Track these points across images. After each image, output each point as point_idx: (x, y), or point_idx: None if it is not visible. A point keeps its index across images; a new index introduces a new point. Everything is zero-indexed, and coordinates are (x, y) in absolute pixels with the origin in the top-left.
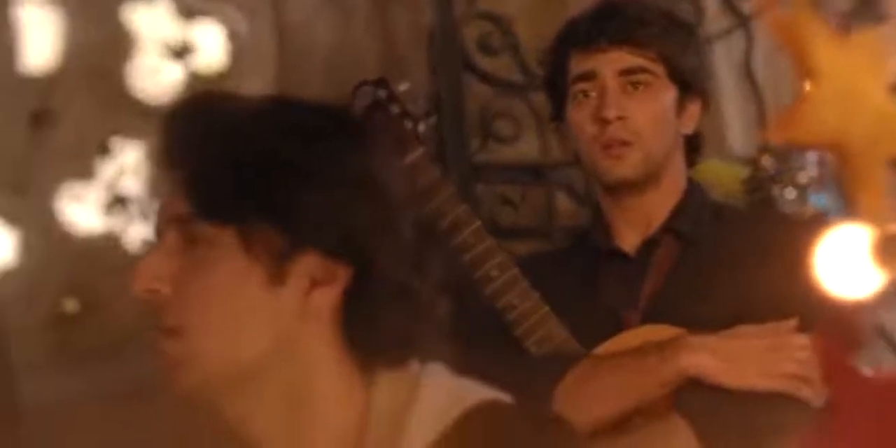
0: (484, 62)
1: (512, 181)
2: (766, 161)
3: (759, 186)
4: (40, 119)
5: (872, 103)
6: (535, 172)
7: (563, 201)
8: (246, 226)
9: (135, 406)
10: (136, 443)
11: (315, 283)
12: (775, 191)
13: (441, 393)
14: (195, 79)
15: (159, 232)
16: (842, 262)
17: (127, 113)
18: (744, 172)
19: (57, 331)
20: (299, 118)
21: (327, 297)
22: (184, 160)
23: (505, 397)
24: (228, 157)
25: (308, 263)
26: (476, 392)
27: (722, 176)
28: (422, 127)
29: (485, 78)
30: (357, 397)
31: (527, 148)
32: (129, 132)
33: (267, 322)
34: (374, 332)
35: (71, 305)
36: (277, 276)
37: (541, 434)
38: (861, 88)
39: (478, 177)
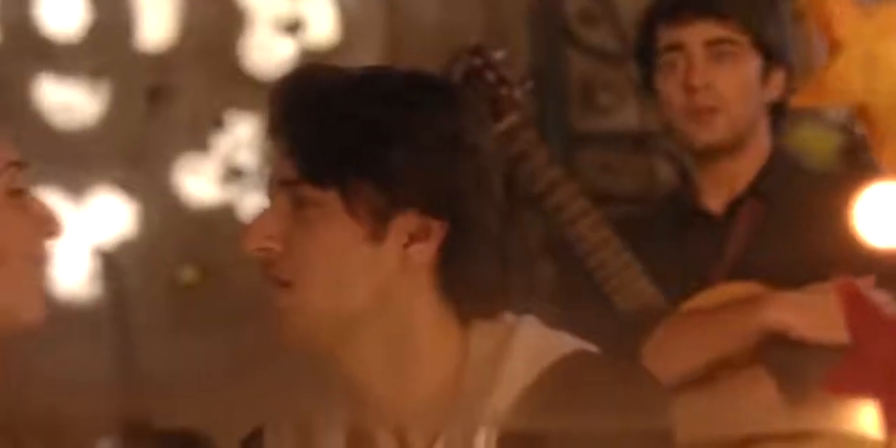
0: (585, 33)
1: (613, 149)
2: (860, 127)
3: (853, 152)
4: (157, 94)
5: (894, 68)
6: (635, 140)
7: (663, 168)
8: (347, 188)
9: (250, 372)
10: (252, 408)
11: (412, 239)
12: (870, 156)
13: (534, 342)
14: (306, 53)
15: (270, 195)
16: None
17: (240, 87)
18: (838, 139)
19: (175, 299)
20: (395, 86)
21: (424, 252)
22: (289, 128)
23: (594, 349)
24: (330, 124)
25: (406, 221)
26: (567, 342)
27: (816, 143)
28: (518, 93)
29: (585, 48)
30: (455, 345)
31: (627, 116)
32: (243, 106)
33: (369, 276)
34: (469, 284)
35: (188, 274)
36: (378, 234)
37: (627, 384)
38: (884, 55)
39: (579, 145)
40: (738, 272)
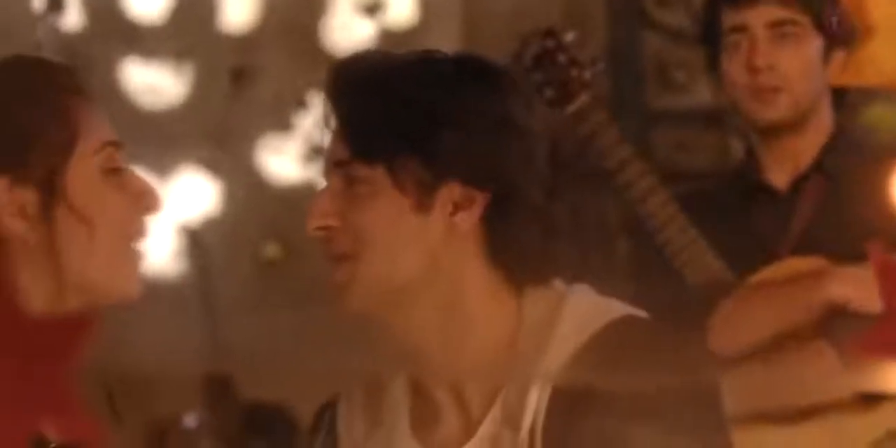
0: (660, 14)
1: (687, 127)
2: None
3: None
4: (240, 75)
5: None
6: (709, 118)
7: (736, 145)
8: (394, 164)
9: (329, 344)
10: (329, 379)
11: (457, 208)
12: None
13: (584, 308)
14: (385, 34)
15: (326, 176)
16: None
17: (322, 68)
18: None
19: (257, 274)
20: (444, 70)
21: (468, 220)
22: (340, 111)
23: (644, 314)
24: (377, 106)
25: (450, 191)
26: (616, 308)
27: (887, 121)
28: (588, 74)
29: (660, 28)
30: (508, 310)
31: (701, 94)
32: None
33: (418, 244)
34: (514, 251)
35: (271, 251)
36: (424, 205)
37: (672, 345)
38: None
39: (654, 123)
40: (803, 247)
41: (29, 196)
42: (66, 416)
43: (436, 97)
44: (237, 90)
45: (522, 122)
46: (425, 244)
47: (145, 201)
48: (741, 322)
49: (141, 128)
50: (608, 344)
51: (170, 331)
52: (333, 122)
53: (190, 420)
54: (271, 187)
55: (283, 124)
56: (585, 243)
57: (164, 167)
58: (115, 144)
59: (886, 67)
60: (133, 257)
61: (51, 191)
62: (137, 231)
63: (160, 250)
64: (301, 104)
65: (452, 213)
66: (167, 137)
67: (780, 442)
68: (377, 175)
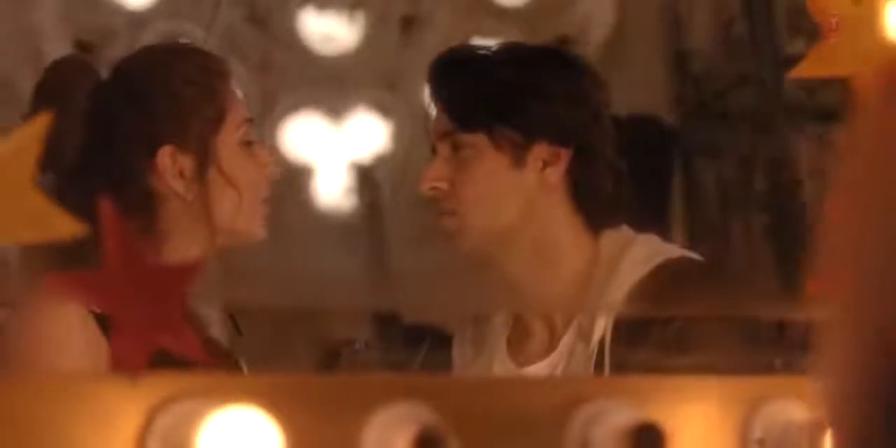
0: None
1: None
2: None
3: None
4: (409, 23)
5: (879, 46)
6: None
7: None
8: (492, 130)
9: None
10: (481, 302)
11: (546, 164)
12: None
13: (648, 248)
14: None
15: (433, 146)
16: None
17: (486, 15)
18: None
19: (424, 209)
20: (523, 55)
21: (556, 173)
22: (445, 92)
23: (699, 258)
24: (474, 86)
25: (539, 150)
26: (676, 250)
27: None
28: None
29: None
30: (587, 247)
31: None
32: (488, 32)
33: (515, 195)
34: (594, 197)
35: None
36: (519, 162)
37: (720, 286)
38: (869, 35)
39: (787, 68)
40: None
41: (187, 162)
42: (177, 336)
43: (521, 76)
44: (406, 37)
45: (590, 93)
46: (521, 195)
47: (269, 170)
48: None
49: (318, 73)
50: (663, 278)
51: (341, 262)
52: (441, 100)
53: (359, 341)
54: None
55: None
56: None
57: (338, 109)
58: (250, 121)
59: (846, 63)
60: (262, 210)
61: (204, 157)
62: (264, 191)
63: (333, 187)
64: None
65: (542, 168)
66: (341, 81)
67: None
68: (478, 140)
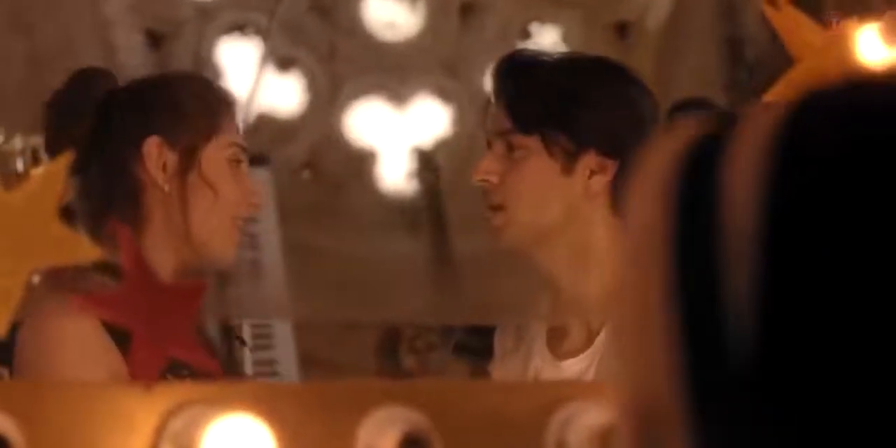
0: None
1: None
2: None
3: None
4: (469, 10)
5: (849, 71)
6: None
7: None
8: (546, 135)
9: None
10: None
11: (593, 173)
12: None
13: None
14: None
15: (489, 142)
16: None
17: (542, 3)
18: None
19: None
20: (582, 66)
21: (601, 183)
22: (506, 94)
23: None
24: (535, 90)
25: (588, 160)
26: None
27: None
28: None
29: None
30: None
31: None
32: (546, 18)
33: (561, 199)
34: None
35: None
36: (568, 169)
37: None
38: (840, 61)
39: None
40: None
41: (171, 157)
42: (189, 348)
43: (578, 85)
44: (466, 23)
45: (638, 103)
46: (567, 199)
47: (251, 197)
48: None
49: (381, 59)
50: None
51: (403, 244)
52: (501, 99)
53: (419, 326)
54: None
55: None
56: None
57: (400, 94)
58: (240, 146)
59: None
60: (235, 232)
61: (189, 159)
62: (241, 215)
63: (396, 171)
64: (525, 35)
65: (589, 177)
66: (404, 67)
67: None
68: (533, 143)
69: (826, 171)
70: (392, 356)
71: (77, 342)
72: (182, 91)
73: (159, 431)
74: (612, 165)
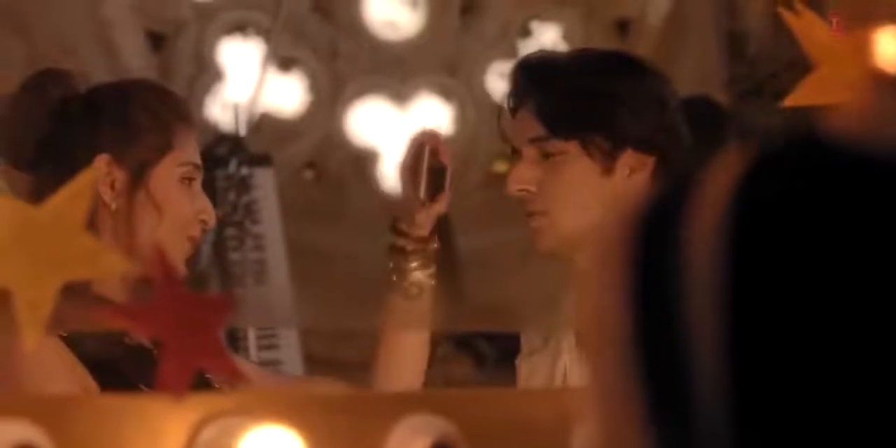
0: None
1: None
2: None
3: None
4: (469, 9)
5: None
6: None
7: None
8: (586, 139)
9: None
10: (550, 279)
11: (633, 171)
12: None
13: None
14: None
15: (516, 149)
16: None
17: (542, 1)
18: None
19: (487, 191)
20: (609, 63)
21: (641, 180)
22: (535, 98)
23: None
24: (568, 93)
25: (627, 158)
26: None
27: None
28: None
29: None
30: None
31: None
32: (547, 16)
33: (602, 201)
34: None
35: (501, 168)
36: (608, 169)
37: None
38: (857, 65)
39: None
40: None
41: (120, 175)
42: (218, 360)
43: (607, 84)
44: (467, 22)
45: (665, 96)
46: (607, 200)
47: (203, 215)
48: None
49: (381, 59)
50: None
51: None
52: (527, 105)
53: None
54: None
55: (509, 52)
56: None
57: (402, 94)
58: (195, 165)
59: (832, 93)
60: (185, 247)
61: (138, 177)
62: (192, 233)
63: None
64: (525, 33)
65: (629, 175)
66: (405, 67)
67: None
68: (571, 147)
69: (783, 228)
70: None
71: (43, 358)
72: (136, 105)
73: (190, 442)
74: (650, 161)
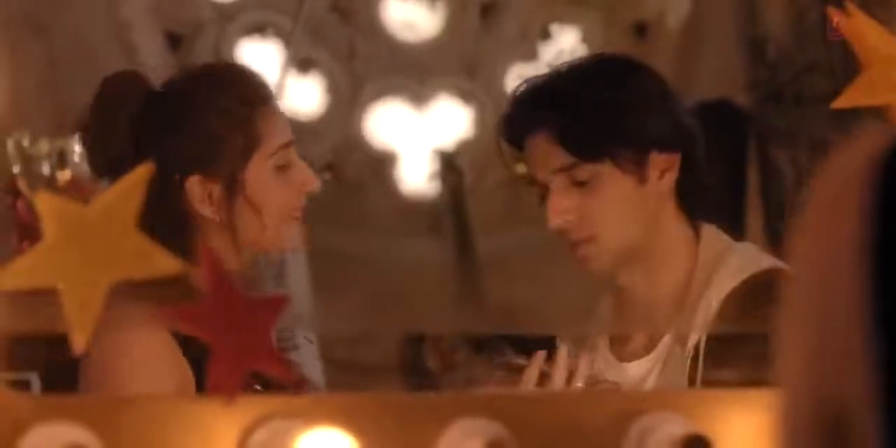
0: None
1: None
2: None
3: None
4: (489, 10)
5: None
6: None
7: None
8: (615, 155)
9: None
10: (564, 282)
11: (663, 172)
12: None
13: (743, 257)
14: None
15: (542, 180)
16: None
17: (564, 1)
18: None
19: (506, 193)
20: (611, 71)
21: (671, 179)
22: (549, 127)
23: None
24: (582, 116)
25: (655, 160)
26: (770, 260)
27: None
28: None
29: None
30: (689, 252)
31: None
32: (567, 19)
33: (642, 211)
34: (695, 194)
35: (520, 168)
36: (642, 178)
37: None
38: None
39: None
40: None
41: (215, 188)
42: (269, 361)
43: (616, 93)
44: (486, 24)
45: (663, 89)
46: (645, 208)
47: (307, 186)
48: None
49: (400, 61)
50: (751, 290)
51: (426, 245)
52: (545, 134)
53: (442, 327)
54: None
55: (528, 54)
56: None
57: (421, 96)
58: (288, 145)
59: (882, 93)
60: (292, 226)
61: (232, 185)
62: (295, 214)
63: (417, 172)
64: (545, 35)
65: (660, 177)
66: (424, 69)
67: None
68: (604, 168)
69: None
70: (416, 356)
71: (145, 355)
72: (214, 113)
73: (241, 445)
74: (676, 159)
